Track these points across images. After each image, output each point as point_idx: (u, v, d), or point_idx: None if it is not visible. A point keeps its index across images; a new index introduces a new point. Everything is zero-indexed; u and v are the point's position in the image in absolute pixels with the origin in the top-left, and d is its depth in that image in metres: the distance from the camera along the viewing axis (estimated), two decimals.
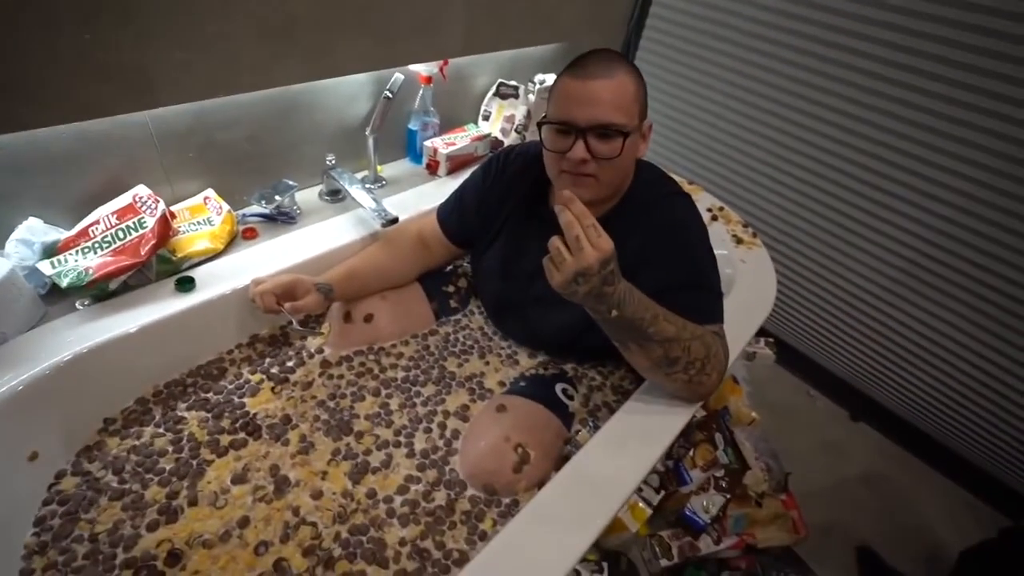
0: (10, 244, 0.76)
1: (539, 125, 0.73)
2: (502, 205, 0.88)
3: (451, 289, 1.01)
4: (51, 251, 0.78)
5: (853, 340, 1.51)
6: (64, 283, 0.74)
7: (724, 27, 1.45)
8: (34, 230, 0.78)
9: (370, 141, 1.09)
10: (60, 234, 0.80)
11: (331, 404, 0.81)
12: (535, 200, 0.85)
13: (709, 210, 1.25)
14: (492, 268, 0.91)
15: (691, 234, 0.76)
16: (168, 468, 0.70)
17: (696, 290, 0.73)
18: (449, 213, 0.94)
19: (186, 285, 0.82)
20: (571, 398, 0.85)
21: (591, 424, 0.82)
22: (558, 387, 0.85)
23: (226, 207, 0.94)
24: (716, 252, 0.77)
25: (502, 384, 0.89)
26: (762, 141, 1.49)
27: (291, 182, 1.02)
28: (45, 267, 0.75)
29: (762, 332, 1.08)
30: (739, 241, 1.17)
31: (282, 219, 1.01)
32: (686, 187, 1.01)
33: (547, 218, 0.81)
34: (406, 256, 0.95)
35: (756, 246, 1.16)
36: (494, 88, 1.34)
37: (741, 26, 1.42)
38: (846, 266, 1.44)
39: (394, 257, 0.94)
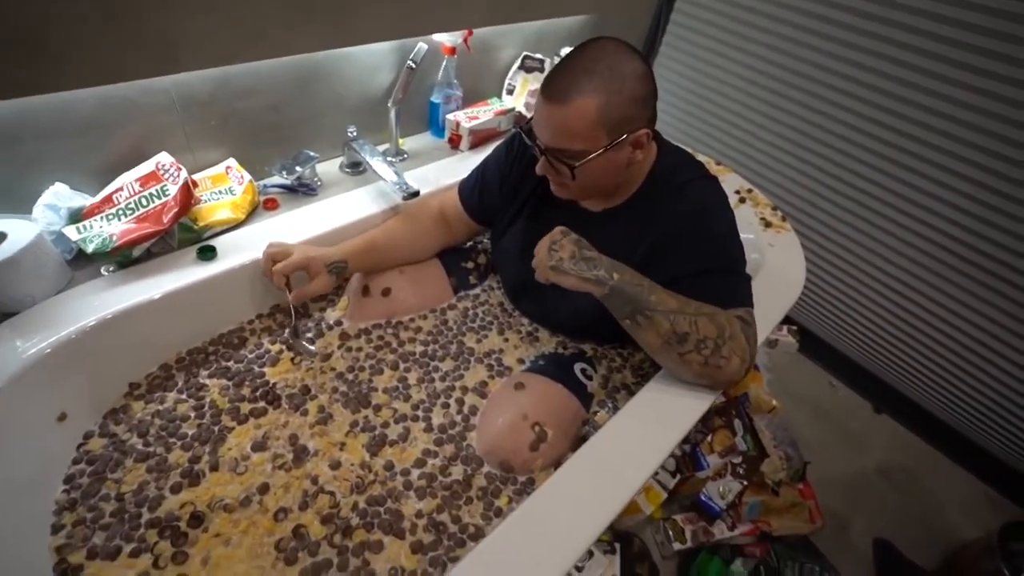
0: (37, 209, 0.76)
1: (521, 129, 0.73)
2: (522, 185, 0.86)
3: (470, 265, 1.00)
4: (77, 217, 0.79)
5: (880, 330, 1.47)
6: (89, 249, 0.75)
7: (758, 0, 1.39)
8: (60, 195, 0.79)
9: (392, 113, 1.07)
10: (85, 200, 0.81)
11: (349, 376, 0.81)
12: None
13: (737, 192, 1.21)
14: (511, 249, 0.89)
15: (711, 219, 0.72)
16: (190, 433, 0.72)
17: (717, 274, 0.70)
18: (471, 190, 0.92)
19: (208, 254, 0.82)
20: (590, 378, 0.84)
21: (610, 405, 0.81)
22: (577, 367, 0.84)
23: (248, 177, 0.94)
24: (743, 236, 0.75)
25: (520, 361, 0.88)
26: (794, 121, 1.43)
27: (312, 153, 1.01)
28: (71, 232, 0.76)
29: (785, 319, 1.05)
30: (767, 224, 1.13)
31: (303, 190, 1.00)
32: (713, 168, 0.98)
33: (566, 201, 0.80)
34: (427, 231, 0.94)
35: (785, 230, 1.12)
36: (519, 61, 1.31)
37: None
38: (876, 252, 1.39)
39: (415, 232, 0.92)
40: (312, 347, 0.83)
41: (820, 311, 1.59)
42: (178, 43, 0.76)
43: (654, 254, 0.72)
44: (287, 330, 0.85)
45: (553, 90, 0.64)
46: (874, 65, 1.24)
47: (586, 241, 0.71)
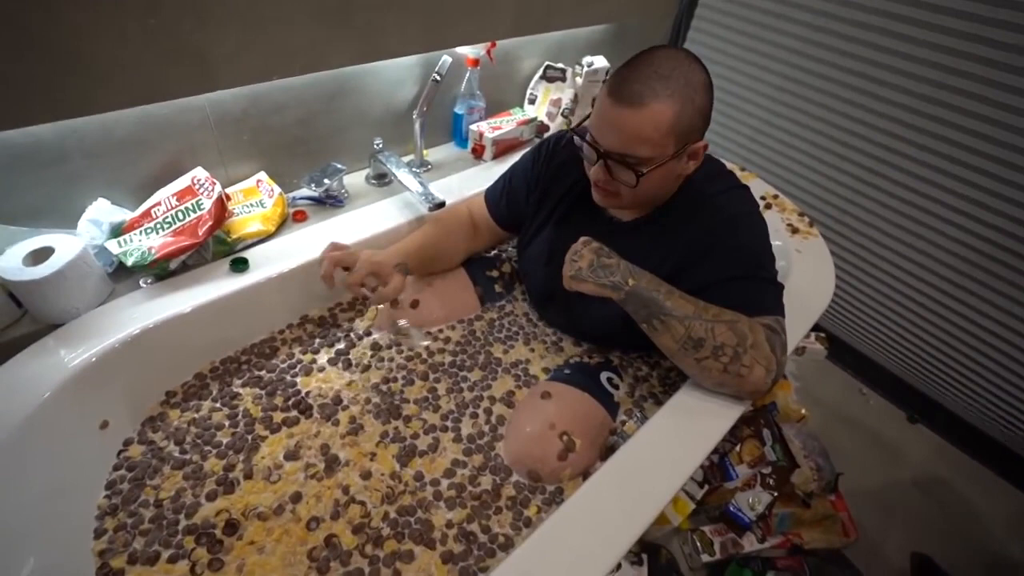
0: (82, 224, 0.79)
1: (573, 132, 0.71)
2: (549, 193, 0.87)
3: (495, 275, 1.01)
4: (117, 231, 0.82)
5: (913, 336, 1.43)
6: (129, 262, 0.77)
7: (782, 3, 1.37)
8: (102, 210, 0.82)
9: (417, 125, 1.09)
10: (125, 215, 0.84)
11: (383, 387, 0.82)
12: (583, 190, 0.83)
13: (763, 198, 1.20)
14: (538, 256, 0.89)
15: (740, 226, 0.72)
16: (225, 441, 0.73)
17: (743, 280, 0.69)
18: (498, 197, 0.93)
19: (240, 266, 0.85)
20: (616, 387, 0.84)
21: (637, 415, 0.81)
22: (603, 376, 0.84)
23: (277, 190, 0.96)
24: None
25: (546, 371, 0.88)
26: (819, 124, 1.41)
27: (339, 165, 1.03)
28: (112, 246, 0.79)
29: (813, 326, 1.03)
30: (794, 231, 1.11)
31: (331, 202, 1.02)
32: (739, 176, 0.97)
33: (595, 209, 0.80)
34: (460, 235, 0.94)
35: (812, 235, 1.10)
36: (541, 71, 1.32)
37: (801, 1, 1.33)
38: (907, 256, 1.35)
39: (449, 235, 0.92)
40: (421, 338, 0.84)
41: (849, 317, 1.55)
42: (215, 62, 0.79)
43: (683, 264, 0.72)
44: (390, 326, 0.87)
45: (625, 93, 0.61)
46: (900, 66, 1.22)
47: (607, 249, 0.71)
